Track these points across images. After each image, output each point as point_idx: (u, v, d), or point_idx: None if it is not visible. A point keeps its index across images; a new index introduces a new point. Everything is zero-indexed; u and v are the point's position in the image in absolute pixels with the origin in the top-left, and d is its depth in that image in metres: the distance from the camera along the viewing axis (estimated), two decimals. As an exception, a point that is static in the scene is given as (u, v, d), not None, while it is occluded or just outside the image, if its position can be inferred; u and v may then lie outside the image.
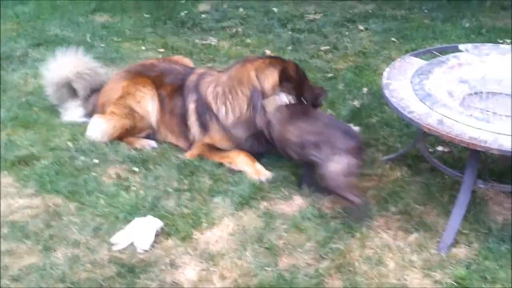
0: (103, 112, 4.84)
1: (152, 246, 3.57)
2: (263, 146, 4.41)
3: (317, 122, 3.75)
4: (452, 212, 3.54)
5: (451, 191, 3.95)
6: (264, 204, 3.95)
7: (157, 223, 3.68)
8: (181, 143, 4.69)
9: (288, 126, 3.83)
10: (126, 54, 6.50)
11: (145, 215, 3.77)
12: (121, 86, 4.83)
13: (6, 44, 6.83)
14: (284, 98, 4.02)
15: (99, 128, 4.75)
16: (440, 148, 4.41)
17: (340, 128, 3.70)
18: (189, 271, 3.40)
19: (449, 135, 3.24)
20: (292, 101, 3.99)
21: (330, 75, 6.00)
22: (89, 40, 6.98)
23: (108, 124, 4.73)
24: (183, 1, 8.50)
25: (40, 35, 7.15)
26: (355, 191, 3.63)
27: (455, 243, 3.52)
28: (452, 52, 4.34)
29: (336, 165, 3.53)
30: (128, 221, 3.74)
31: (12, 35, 7.13)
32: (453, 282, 3.25)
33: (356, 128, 4.76)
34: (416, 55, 4.35)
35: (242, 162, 4.35)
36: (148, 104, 4.75)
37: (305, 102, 4.02)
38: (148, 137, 4.81)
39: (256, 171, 4.28)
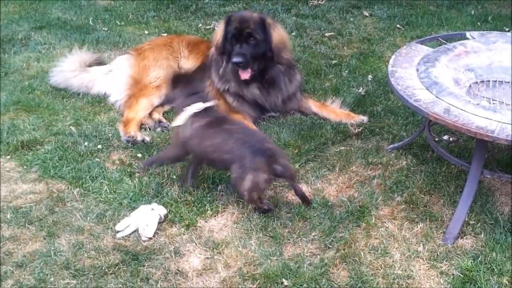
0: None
1: (156, 233, 3.55)
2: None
3: (230, 139, 3.67)
4: (459, 202, 3.52)
5: (458, 181, 3.94)
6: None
7: (162, 210, 3.66)
8: None
9: (204, 141, 3.75)
10: (129, 38, 6.45)
11: (149, 202, 3.76)
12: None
13: (9, 26, 6.79)
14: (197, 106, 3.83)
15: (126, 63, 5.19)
16: (446, 137, 4.37)
17: (250, 144, 3.61)
18: (194, 259, 3.39)
19: (456, 124, 3.21)
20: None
21: (334, 61, 5.96)
22: (91, 23, 6.93)
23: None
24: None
25: (43, 18, 7.10)
26: (259, 202, 3.68)
27: (462, 234, 3.50)
28: (459, 40, 4.30)
29: (245, 183, 3.55)
30: (132, 208, 3.73)
31: (15, 18, 7.08)
32: (459, 274, 3.23)
33: (362, 118, 4.73)
34: (422, 42, 4.32)
35: None
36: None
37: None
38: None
39: None
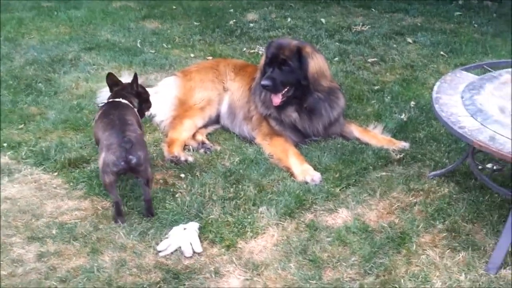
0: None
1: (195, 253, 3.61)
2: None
3: (105, 121, 4.00)
4: (502, 232, 3.46)
5: (501, 210, 3.88)
6: (308, 216, 3.94)
7: (195, 225, 3.73)
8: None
9: (96, 125, 4.16)
10: (175, 61, 6.59)
11: (189, 222, 3.81)
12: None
13: (59, 47, 7.01)
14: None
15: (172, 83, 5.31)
16: (490, 165, 4.32)
17: (112, 126, 3.89)
18: (233, 280, 3.41)
19: (501, 152, 3.19)
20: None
21: (376, 87, 5.97)
22: (139, 46, 7.11)
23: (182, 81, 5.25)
24: (232, 10, 8.59)
25: (92, 39, 7.32)
26: (110, 188, 3.83)
27: (505, 264, 3.43)
28: (504, 68, 4.26)
29: (99, 161, 3.82)
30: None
31: (65, 39, 7.32)
32: (501, 304, 3.18)
33: (404, 144, 4.73)
34: (467, 70, 4.30)
35: (291, 158, 4.49)
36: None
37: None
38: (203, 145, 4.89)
39: (303, 171, 4.34)
